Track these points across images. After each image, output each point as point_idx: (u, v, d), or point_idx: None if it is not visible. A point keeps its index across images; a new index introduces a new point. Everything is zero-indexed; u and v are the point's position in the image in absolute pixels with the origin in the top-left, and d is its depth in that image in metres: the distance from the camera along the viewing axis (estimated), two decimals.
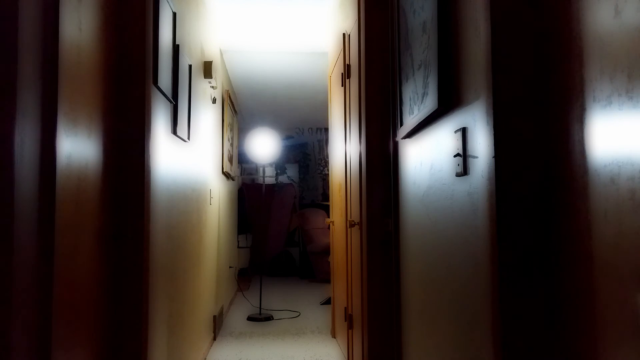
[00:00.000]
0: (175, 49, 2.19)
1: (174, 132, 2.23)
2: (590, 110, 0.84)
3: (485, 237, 1.07)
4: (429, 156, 1.54)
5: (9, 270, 0.97)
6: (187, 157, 2.64)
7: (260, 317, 4.53)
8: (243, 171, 7.69)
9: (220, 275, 4.29)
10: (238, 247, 6.39)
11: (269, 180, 7.40)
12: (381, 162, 2.38)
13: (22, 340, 1.02)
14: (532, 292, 0.99)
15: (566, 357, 0.92)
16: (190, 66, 2.58)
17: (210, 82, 3.43)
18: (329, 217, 4.10)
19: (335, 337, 3.86)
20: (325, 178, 8.05)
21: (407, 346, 1.90)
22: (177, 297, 2.40)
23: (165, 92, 2.00)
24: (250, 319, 4.56)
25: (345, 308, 3.18)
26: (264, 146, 5.26)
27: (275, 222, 7.26)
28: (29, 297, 1.04)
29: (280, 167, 8.01)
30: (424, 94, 1.50)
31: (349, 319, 3.04)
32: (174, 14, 2.15)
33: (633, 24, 0.73)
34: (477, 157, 1.13)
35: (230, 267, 5.26)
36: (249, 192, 7.21)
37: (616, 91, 0.77)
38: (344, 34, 3.21)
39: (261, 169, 7.30)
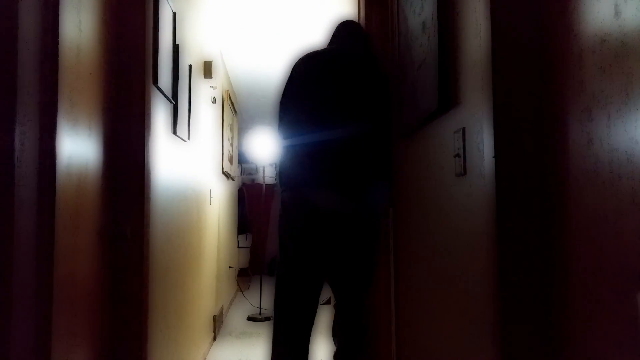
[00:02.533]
0: (175, 49, 2.19)
1: (174, 132, 2.23)
2: (590, 110, 0.84)
3: (485, 237, 1.07)
4: (429, 156, 1.54)
5: (9, 270, 0.97)
6: (187, 157, 2.64)
7: (260, 317, 4.53)
8: (243, 171, 7.68)
9: (220, 275, 4.29)
10: (238, 247, 6.39)
11: (269, 180, 7.40)
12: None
13: (22, 339, 1.02)
14: (532, 292, 0.99)
15: (566, 358, 0.92)
16: (190, 66, 2.58)
17: (210, 82, 3.43)
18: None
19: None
20: None
21: (407, 346, 1.90)
22: (177, 297, 2.40)
23: (165, 92, 2.00)
24: (250, 319, 4.55)
25: None
26: (264, 146, 5.26)
27: (275, 222, 7.25)
28: (29, 296, 1.04)
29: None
30: (424, 94, 1.50)
31: None
32: (174, 14, 2.15)
33: (633, 24, 0.73)
34: (477, 157, 1.13)
35: (230, 267, 5.26)
36: (249, 192, 7.21)
37: (616, 91, 0.77)
38: None
39: (261, 169, 7.30)
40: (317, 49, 2.16)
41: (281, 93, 2.12)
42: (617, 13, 0.76)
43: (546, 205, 0.98)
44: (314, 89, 1.99)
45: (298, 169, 1.95)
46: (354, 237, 1.95)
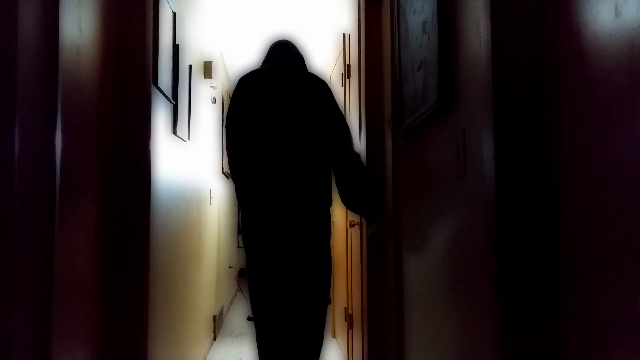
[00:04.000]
0: (175, 49, 2.19)
1: (174, 132, 2.23)
2: (589, 110, 0.84)
3: (485, 237, 1.07)
4: (429, 156, 1.54)
5: (9, 270, 0.97)
6: (187, 157, 2.64)
7: None
8: None
9: (220, 275, 4.29)
10: (238, 247, 6.39)
11: None
12: (381, 162, 2.38)
13: (23, 339, 1.02)
14: (532, 292, 0.99)
15: (566, 358, 0.92)
16: (190, 66, 2.58)
17: (210, 82, 3.43)
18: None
19: (335, 337, 3.86)
20: None
21: (407, 346, 1.90)
22: (177, 297, 2.40)
23: (165, 92, 2.00)
24: (250, 319, 4.55)
25: (345, 308, 3.18)
26: None
27: None
28: (29, 296, 1.04)
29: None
30: (424, 94, 1.50)
31: (349, 319, 3.04)
32: (174, 14, 2.15)
33: (633, 24, 0.73)
34: (477, 157, 1.13)
35: (230, 267, 5.26)
36: None
37: (616, 92, 0.77)
38: (344, 34, 3.21)
39: None
40: (255, 68, 2.23)
41: (227, 111, 2.18)
42: (617, 13, 0.76)
43: (546, 205, 0.98)
44: (257, 107, 2.06)
45: (255, 186, 2.05)
46: (306, 241, 2.09)
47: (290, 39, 2.39)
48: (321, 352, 2.18)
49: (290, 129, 2.04)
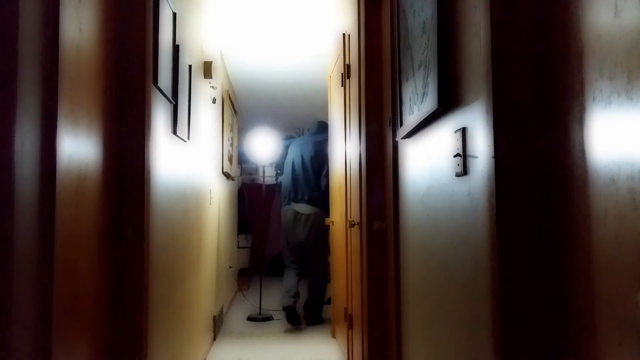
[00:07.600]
0: (175, 49, 2.19)
1: (174, 132, 2.23)
2: (590, 110, 0.84)
3: (485, 237, 1.07)
4: (429, 156, 1.54)
5: (9, 271, 0.97)
6: (187, 157, 2.64)
7: (260, 317, 4.54)
8: (243, 171, 7.68)
9: (220, 275, 4.29)
10: (238, 247, 6.39)
11: (269, 180, 7.41)
12: (381, 162, 2.38)
13: (22, 340, 1.02)
14: (532, 292, 0.99)
15: (566, 359, 0.92)
16: (190, 66, 2.58)
17: (210, 82, 3.43)
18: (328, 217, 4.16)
19: (335, 337, 3.86)
20: None
21: (407, 346, 1.90)
22: (177, 297, 2.40)
23: (165, 92, 2.00)
24: (250, 319, 4.56)
25: (345, 308, 3.18)
26: (264, 146, 5.26)
27: (275, 222, 7.25)
28: (29, 297, 1.04)
29: (280, 167, 7.98)
30: (424, 94, 1.50)
31: (349, 319, 3.04)
32: (174, 14, 2.15)
33: (632, 24, 0.73)
34: (477, 157, 1.13)
35: (230, 267, 5.26)
36: (249, 192, 7.21)
37: (616, 91, 0.77)
38: (344, 34, 3.21)
39: (261, 169, 7.30)
40: (304, 135, 4.93)
41: (280, 154, 5.12)
42: (616, 12, 0.76)
43: (546, 205, 0.98)
44: (297, 154, 4.49)
45: (289, 193, 4.48)
46: (315, 225, 4.36)
47: (324, 121, 4.56)
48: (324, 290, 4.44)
49: (310, 165, 4.41)
